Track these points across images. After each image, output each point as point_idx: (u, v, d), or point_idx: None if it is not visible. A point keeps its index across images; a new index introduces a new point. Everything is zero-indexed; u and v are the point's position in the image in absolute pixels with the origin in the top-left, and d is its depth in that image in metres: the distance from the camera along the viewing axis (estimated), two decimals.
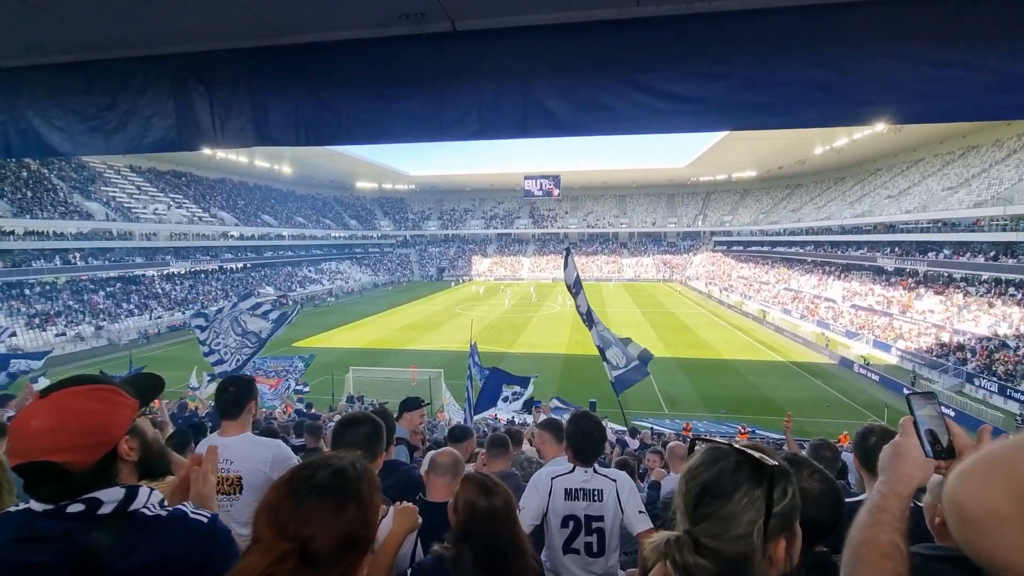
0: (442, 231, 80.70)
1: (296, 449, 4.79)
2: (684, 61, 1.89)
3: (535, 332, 32.93)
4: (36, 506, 1.02)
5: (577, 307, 7.51)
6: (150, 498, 1.09)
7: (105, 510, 1.02)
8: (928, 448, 0.98)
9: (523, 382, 10.67)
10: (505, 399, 10.25)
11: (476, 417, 10.43)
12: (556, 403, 11.89)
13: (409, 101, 2.13)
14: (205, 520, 1.12)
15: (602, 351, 7.41)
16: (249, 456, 2.31)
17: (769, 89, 1.83)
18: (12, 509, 1.07)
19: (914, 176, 40.23)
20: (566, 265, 7.47)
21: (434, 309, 43.40)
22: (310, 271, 57.53)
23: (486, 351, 19.82)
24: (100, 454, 1.05)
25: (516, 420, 13.12)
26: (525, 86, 2.04)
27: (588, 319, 7.36)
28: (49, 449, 0.99)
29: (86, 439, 1.03)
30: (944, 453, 0.98)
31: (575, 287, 7.31)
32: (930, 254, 31.15)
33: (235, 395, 2.40)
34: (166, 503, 1.12)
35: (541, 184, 64.76)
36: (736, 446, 0.91)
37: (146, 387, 1.26)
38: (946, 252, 30.21)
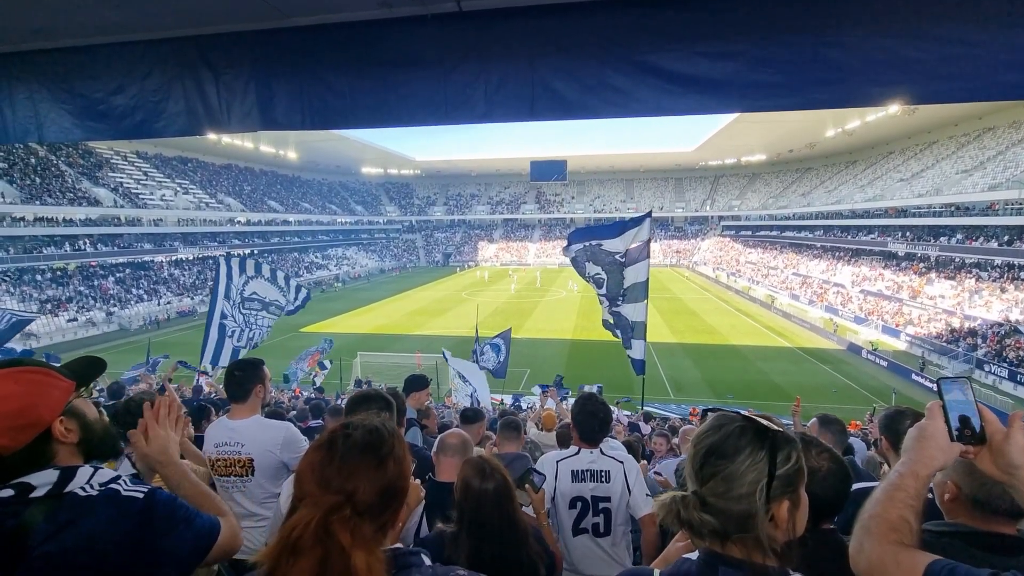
0: (448, 216, 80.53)
1: (313, 430, 4.88)
2: (694, 41, 1.86)
3: (541, 317, 32.98)
4: None
5: (623, 279, 6.72)
6: (92, 478, 1.07)
7: (38, 493, 1.01)
8: (955, 432, 0.98)
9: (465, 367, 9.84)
10: (464, 379, 9.56)
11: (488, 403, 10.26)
12: (536, 389, 11.52)
13: (414, 84, 2.11)
14: (140, 496, 1.08)
15: (632, 327, 6.82)
16: (259, 439, 2.35)
17: (780, 69, 1.80)
18: None
19: (928, 159, 39.52)
20: (630, 228, 6.50)
21: (440, 295, 43.52)
22: (317, 257, 57.72)
23: (493, 336, 19.89)
24: (29, 436, 1.04)
25: (524, 405, 13.16)
26: (532, 68, 2.01)
27: (636, 293, 6.66)
28: None
29: (10, 421, 1.02)
30: (974, 438, 0.98)
31: (639, 255, 6.57)
32: (942, 239, 30.73)
33: (240, 379, 2.42)
34: (122, 480, 1.10)
35: (547, 169, 64.17)
36: (742, 413, 0.95)
37: (83, 369, 1.24)
38: (959, 237, 29.78)
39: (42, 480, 1.02)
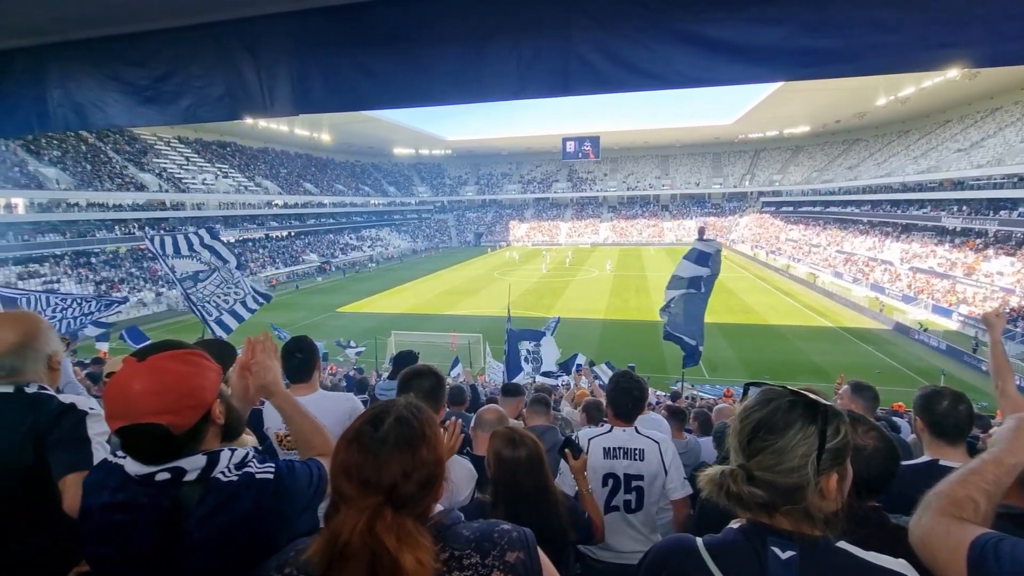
0: (479, 196, 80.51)
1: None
2: (738, 7, 1.76)
3: (573, 297, 32.86)
4: (130, 467, 1.07)
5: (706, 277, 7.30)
6: (229, 461, 1.13)
7: (189, 477, 1.07)
8: None
9: (533, 336, 10.36)
10: (525, 359, 9.93)
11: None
12: (605, 368, 11.56)
13: (446, 60, 2.08)
14: (271, 476, 1.15)
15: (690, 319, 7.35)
16: (330, 411, 2.37)
17: (832, 33, 1.69)
18: (109, 460, 1.13)
19: (989, 127, 36.84)
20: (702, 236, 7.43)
21: (472, 274, 43.85)
22: (351, 238, 58.89)
23: (525, 316, 19.98)
24: (197, 416, 1.11)
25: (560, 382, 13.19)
26: (566, 40, 1.95)
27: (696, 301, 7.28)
28: (154, 411, 1.03)
29: (186, 401, 1.08)
30: None
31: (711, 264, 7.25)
32: (1002, 212, 28.79)
33: (303, 360, 2.42)
34: (251, 460, 1.17)
35: (579, 146, 62.99)
36: (790, 388, 0.94)
37: (221, 353, 1.31)
38: (1021, 210, 27.84)
39: (193, 465, 1.08)
